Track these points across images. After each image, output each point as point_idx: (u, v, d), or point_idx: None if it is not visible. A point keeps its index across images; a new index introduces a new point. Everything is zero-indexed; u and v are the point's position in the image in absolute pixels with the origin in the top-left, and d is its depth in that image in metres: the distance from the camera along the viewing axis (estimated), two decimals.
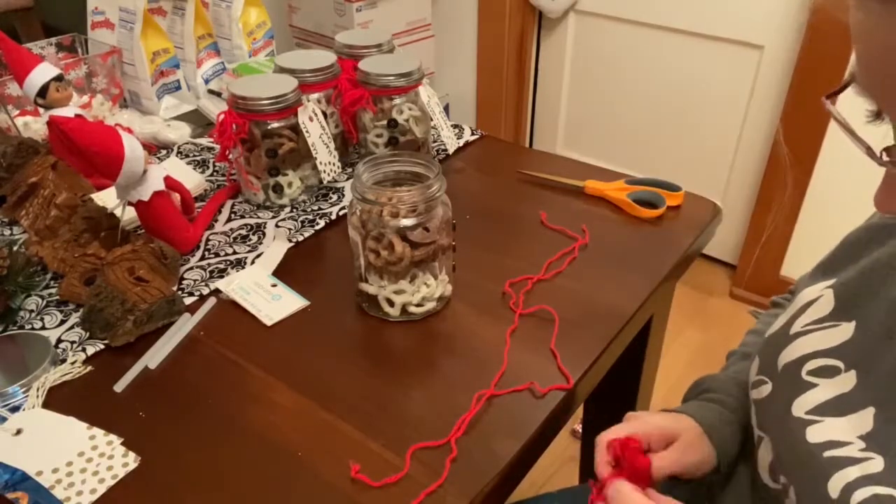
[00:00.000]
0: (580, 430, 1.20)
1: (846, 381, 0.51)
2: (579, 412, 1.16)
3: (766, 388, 0.57)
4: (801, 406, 0.52)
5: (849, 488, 0.45)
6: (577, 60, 2.18)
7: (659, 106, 2.03)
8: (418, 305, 0.74)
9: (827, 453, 0.48)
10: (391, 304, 0.74)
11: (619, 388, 1.02)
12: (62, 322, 0.75)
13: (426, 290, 0.74)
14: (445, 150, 1.08)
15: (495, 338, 0.72)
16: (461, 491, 0.57)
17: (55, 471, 0.58)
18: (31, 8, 1.82)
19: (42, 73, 0.82)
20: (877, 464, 0.45)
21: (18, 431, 0.61)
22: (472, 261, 0.83)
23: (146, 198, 0.79)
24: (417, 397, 0.66)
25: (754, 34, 1.77)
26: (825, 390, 0.51)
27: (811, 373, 0.53)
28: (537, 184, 0.99)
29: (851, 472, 0.45)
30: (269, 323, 0.75)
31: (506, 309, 0.76)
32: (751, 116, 1.88)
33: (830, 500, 0.46)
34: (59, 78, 0.82)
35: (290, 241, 0.87)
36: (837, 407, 0.50)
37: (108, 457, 0.60)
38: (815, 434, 0.50)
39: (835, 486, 0.46)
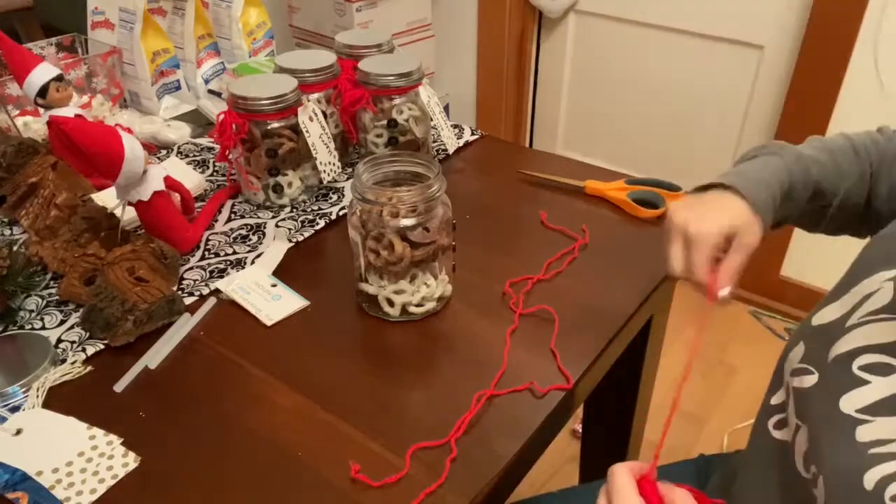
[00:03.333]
0: (580, 430, 1.20)
1: None
2: (579, 412, 1.16)
3: (811, 379, 0.54)
4: (850, 403, 0.50)
5: (884, 481, 0.44)
6: (577, 60, 2.18)
7: (659, 106, 2.03)
8: (418, 305, 0.74)
9: (872, 450, 0.46)
10: (391, 304, 0.74)
11: (619, 388, 1.02)
12: (62, 322, 0.75)
13: (426, 290, 0.74)
14: (445, 150, 1.08)
15: (495, 338, 0.72)
16: (461, 491, 0.57)
17: (55, 471, 0.58)
18: (31, 8, 1.82)
19: (42, 73, 0.81)
20: None
21: (18, 431, 0.61)
22: (472, 261, 0.83)
23: (146, 198, 0.79)
24: (417, 397, 0.66)
25: (754, 34, 1.77)
26: (878, 388, 0.49)
27: (863, 368, 0.51)
28: (537, 184, 0.99)
29: (890, 467, 0.45)
30: (269, 323, 0.75)
31: (506, 309, 0.76)
32: (751, 116, 1.88)
33: (864, 492, 0.45)
34: (59, 78, 0.82)
35: (290, 241, 0.87)
36: (890, 407, 0.48)
37: (108, 457, 0.60)
38: (865, 433, 0.48)
39: (871, 478, 0.45)
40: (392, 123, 0.99)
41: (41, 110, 0.87)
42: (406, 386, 0.67)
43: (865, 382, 0.50)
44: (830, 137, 0.72)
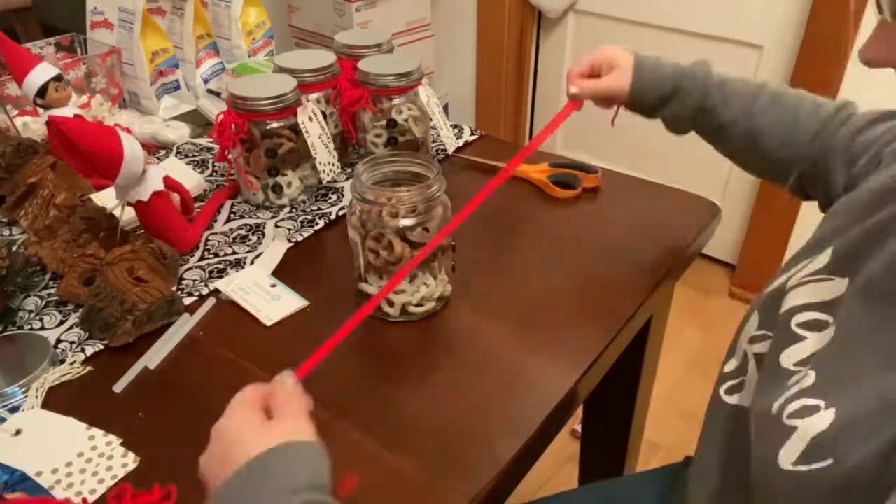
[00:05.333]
0: (580, 431, 1.20)
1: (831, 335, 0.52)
2: (579, 412, 1.16)
3: (768, 343, 0.57)
4: (788, 358, 0.53)
5: (784, 403, 0.48)
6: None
7: None
8: (418, 305, 0.74)
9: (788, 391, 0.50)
10: (391, 304, 0.74)
11: (619, 388, 1.02)
12: (61, 322, 0.75)
13: (426, 291, 0.74)
14: (445, 149, 1.08)
15: (495, 337, 0.72)
16: (461, 491, 0.56)
17: (55, 471, 0.58)
18: (29, 8, 1.82)
19: (41, 73, 0.81)
20: (809, 378, 0.48)
21: (18, 432, 0.61)
22: (472, 261, 0.83)
23: (145, 198, 0.79)
24: (417, 397, 0.66)
25: (754, 34, 1.77)
26: (813, 343, 0.52)
27: (801, 325, 0.54)
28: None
29: (791, 393, 0.48)
30: (268, 323, 0.75)
31: (506, 309, 0.76)
32: None
33: (771, 416, 0.49)
34: (58, 78, 0.82)
35: (289, 241, 0.87)
36: (817, 360, 0.50)
37: (107, 457, 0.59)
38: (792, 382, 0.51)
39: (777, 405, 0.49)
40: (391, 123, 0.98)
41: (40, 110, 0.87)
42: (406, 386, 0.67)
43: (803, 338, 0.53)
44: (796, 97, 0.78)
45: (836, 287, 0.54)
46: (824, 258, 0.57)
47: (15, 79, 0.82)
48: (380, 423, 0.63)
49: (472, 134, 1.14)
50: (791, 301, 0.56)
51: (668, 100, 0.80)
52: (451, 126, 1.12)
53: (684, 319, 1.90)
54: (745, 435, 0.55)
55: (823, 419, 0.45)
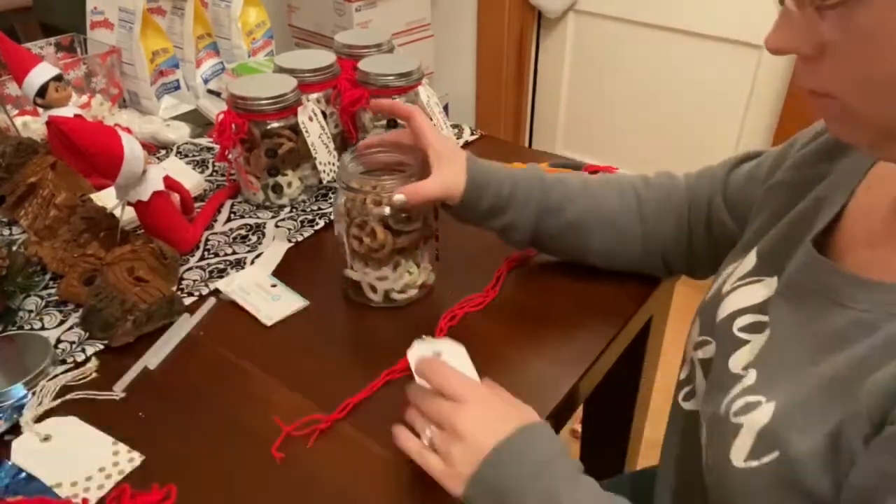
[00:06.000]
0: (580, 430, 1.20)
1: None
2: (579, 412, 1.16)
3: (711, 348, 0.59)
4: (736, 362, 0.54)
5: (730, 403, 0.50)
6: (576, 60, 2.18)
7: (658, 106, 2.03)
8: (401, 292, 0.76)
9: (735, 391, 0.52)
10: (374, 290, 0.76)
11: (619, 388, 1.02)
12: (61, 322, 0.75)
13: (409, 278, 0.76)
14: None
15: (495, 337, 0.72)
16: None
17: (73, 484, 0.57)
18: (29, 8, 1.82)
19: (41, 73, 0.81)
20: (751, 377, 0.50)
21: (47, 438, 0.61)
22: (473, 260, 0.83)
23: (145, 198, 0.79)
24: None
25: (754, 34, 1.77)
26: (756, 345, 0.53)
27: (742, 329, 0.55)
28: None
29: (735, 392, 0.50)
30: (268, 323, 0.75)
31: (507, 313, 0.76)
32: (750, 116, 1.88)
33: (719, 417, 0.50)
34: (58, 78, 0.82)
35: (289, 241, 0.87)
36: (759, 360, 0.52)
37: (119, 471, 0.59)
38: (740, 385, 0.52)
39: (725, 405, 0.51)
40: (392, 123, 0.98)
41: (40, 110, 0.87)
42: (406, 386, 0.67)
43: (746, 342, 0.54)
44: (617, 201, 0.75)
45: (767, 287, 0.55)
46: (750, 261, 0.58)
47: (15, 79, 0.82)
48: (379, 422, 0.63)
49: (472, 134, 1.14)
50: (728, 307, 0.57)
51: (505, 206, 0.72)
52: (451, 126, 1.12)
53: (684, 319, 1.90)
54: (698, 438, 0.57)
55: (764, 413, 0.47)
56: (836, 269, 0.50)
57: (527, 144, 2.42)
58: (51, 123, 0.71)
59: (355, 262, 0.75)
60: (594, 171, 0.98)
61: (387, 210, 0.71)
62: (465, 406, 0.54)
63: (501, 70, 2.22)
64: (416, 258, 0.76)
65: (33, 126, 1.07)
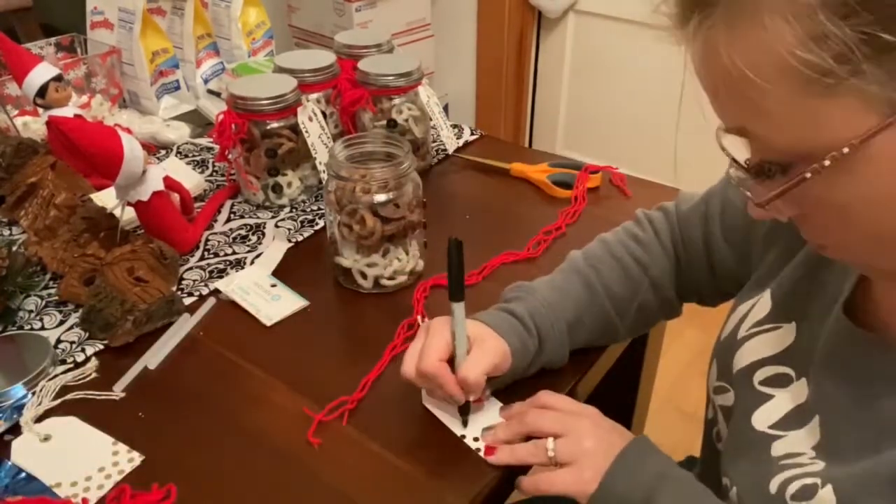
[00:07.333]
0: None
1: (801, 391, 0.51)
2: None
3: (730, 397, 0.58)
4: (761, 420, 0.53)
5: (785, 483, 0.48)
6: (576, 60, 2.18)
7: (658, 105, 2.03)
8: (390, 279, 0.78)
9: (782, 462, 0.50)
10: (364, 276, 0.77)
11: (619, 388, 1.02)
12: (61, 322, 0.75)
13: (398, 265, 0.78)
14: (445, 149, 1.08)
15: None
16: (461, 491, 0.56)
17: (73, 484, 0.57)
18: (30, 8, 1.82)
19: (41, 73, 0.81)
20: (818, 466, 0.47)
21: (47, 438, 0.61)
22: (472, 261, 0.83)
23: (145, 198, 0.79)
24: (417, 397, 0.65)
25: None
26: (783, 401, 0.52)
27: (763, 382, 0.54)
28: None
29: (792, 472, 0.48)
30: (268, 323, 0.75)
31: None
32: None
33: (769, 496, 0.48)
34: (58, 78, 0.82)
35: (289, 241, 0.87)
36: (798, 419, 0.50)
37: (119, 471, 0.59)
38: (779, 448, 0.51)
39: (775, 482, 0.49)
40: (391, 123, 0.98)
41: (40, 110, 0.87)
42: (406, 386, 0.67)
43: (770, 397, 0.53)
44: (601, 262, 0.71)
45: (786, 334, 0.54)
46: (765, 304, 0.57)
47: (15, 79, 0.82)
48: (379, 422, 0.63)
49: (472, 134, 1.14)
50: (746, 357, 0.56)
51: (543, 344, 0.65)
52: (451, 126, 1.12)
53: (684, 319, 1.90)
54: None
55: (824, 499, 0.45)
56: (883, 342, 0.46)
57: (527, 144, 2.42)
58: (51, 123, 0.71)
59: (345, 249, 0.77)
60: (594, 170, 0.99)
61: (375, 198, 0.73)
62: (583, 416, 0.58)
63: (501, 70, 2.22)
64: (405, 246, 0.78)
65: (33, 126, 1.07)
